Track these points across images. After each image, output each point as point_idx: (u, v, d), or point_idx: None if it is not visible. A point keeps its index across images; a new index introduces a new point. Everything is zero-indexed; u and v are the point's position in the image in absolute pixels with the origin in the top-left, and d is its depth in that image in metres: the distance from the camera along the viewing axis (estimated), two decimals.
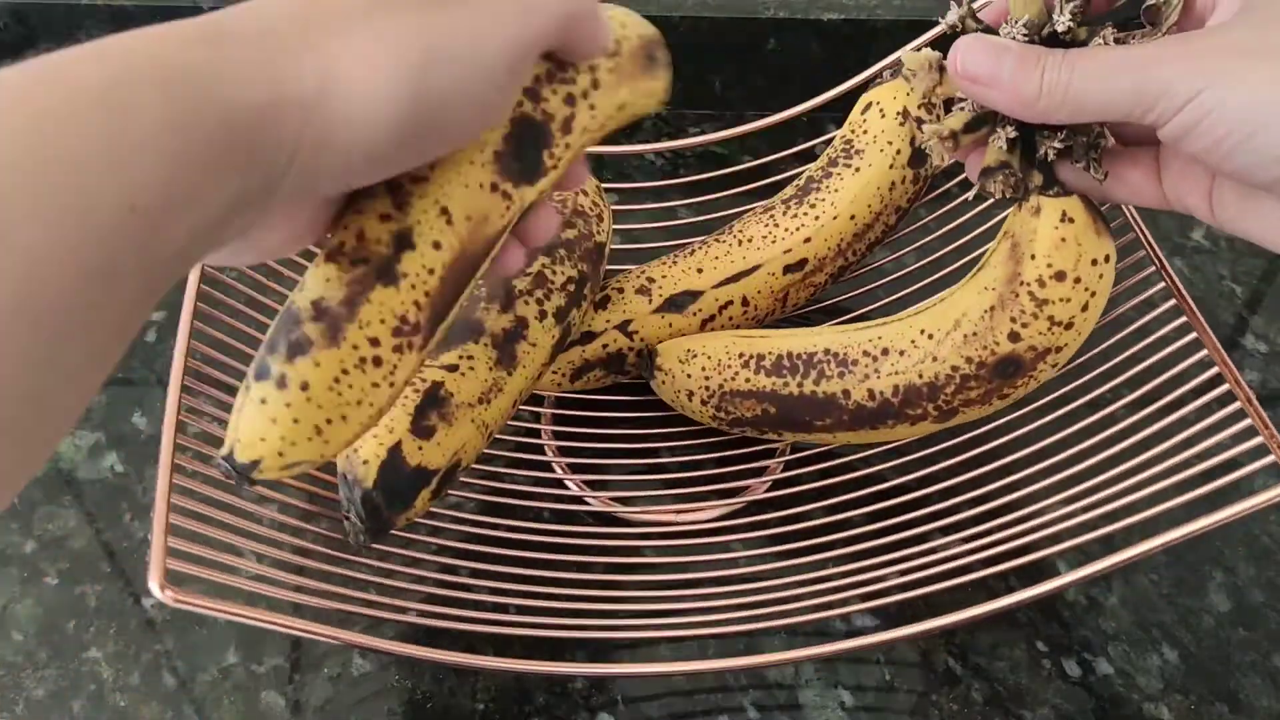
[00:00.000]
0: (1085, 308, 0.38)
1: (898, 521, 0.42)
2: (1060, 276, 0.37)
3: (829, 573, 0.41)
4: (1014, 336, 0.39)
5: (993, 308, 0.39)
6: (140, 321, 0.21)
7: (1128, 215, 0.43)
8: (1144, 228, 0.43)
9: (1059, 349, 0.39)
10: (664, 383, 0.47)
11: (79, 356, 0.19)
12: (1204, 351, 0.38)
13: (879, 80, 0.50)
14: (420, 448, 0.38)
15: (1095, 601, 0.45)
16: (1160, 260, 0.41)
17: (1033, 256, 0.38)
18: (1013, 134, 0.31)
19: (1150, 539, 0.35)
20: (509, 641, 0.43)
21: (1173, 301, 0.40)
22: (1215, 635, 0.44)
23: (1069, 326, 0.38)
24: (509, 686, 0.42)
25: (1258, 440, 0.35)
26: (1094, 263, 0.37)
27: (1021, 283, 0.38)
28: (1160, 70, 0.27)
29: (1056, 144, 0.31)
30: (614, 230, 0.48)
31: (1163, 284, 0.41)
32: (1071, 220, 0.36)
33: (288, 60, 0.22)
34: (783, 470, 0.48)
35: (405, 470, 0.38)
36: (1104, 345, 0.42)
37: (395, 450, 0.38)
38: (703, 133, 0.64)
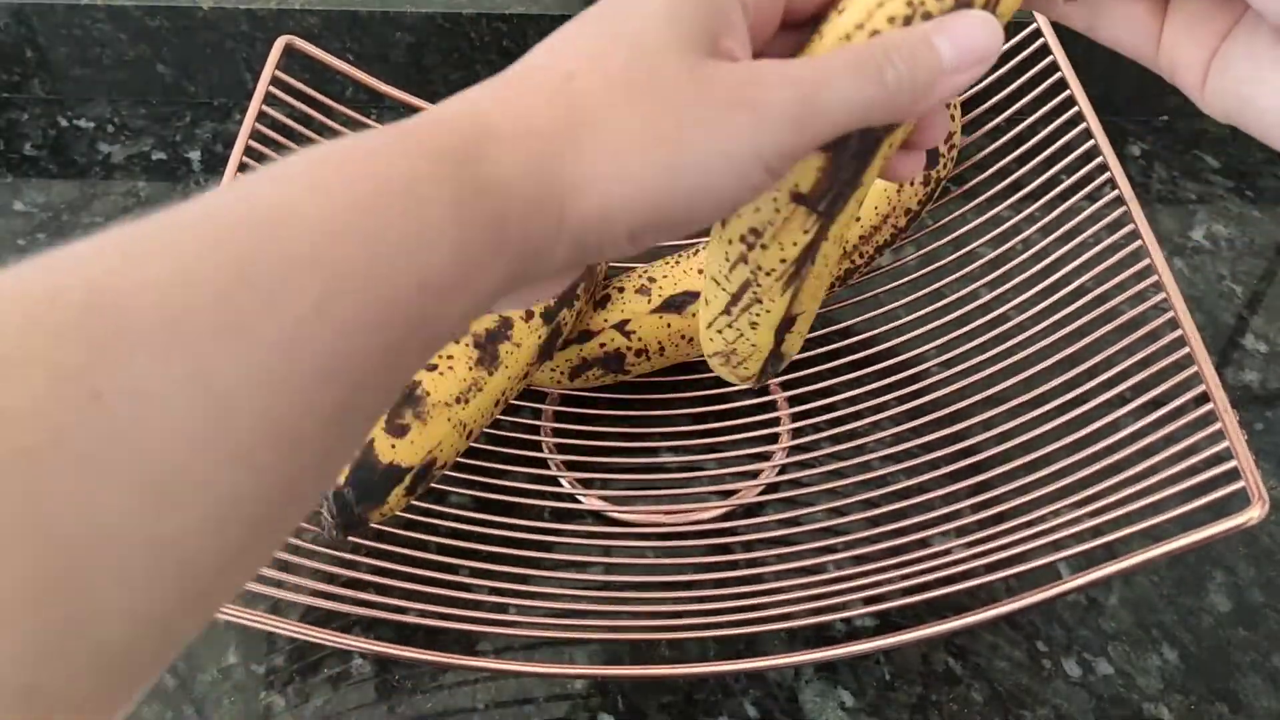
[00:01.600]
0: None
1: (899, 526, 0.42)
2: None
3: (830, 575, 0.41)
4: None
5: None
6: (404, 386, 0.23)
7: (1136, 223, 0.43)
8: (1153, 236, 0.42)
9: None
10: None
11: (361, 418, 0.22)
12: (1196, 367, 0.38)
13: None
14: (393, 445, 0.39)
15: (1095, 602, 0.45)
16: (1164, 272, 0.41)
17: None
18: None
19: (1153, 546, 0.35)
20: (509, 642, 0.43)
21: (1172, 314, 0.40)
22: (1215, 635, 0.44)
23: None
24: (509, 687, 0.42)
25: (1233, 464, 0.35)
26: None
27: None
28: None
29: None
30: None
31: (1163, 295, 0.41)
32: None
33: (549, 161, 0.24)
34: (783, 472, 0.48)
35: (378, 468, 0.38)
36: (1109, 351, 0.42)
37: (368, 448, 0.38)
38: None
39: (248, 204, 0.21)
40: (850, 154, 0.27)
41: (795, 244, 0.28)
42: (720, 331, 0.33)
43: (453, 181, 0.23)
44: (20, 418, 0.16)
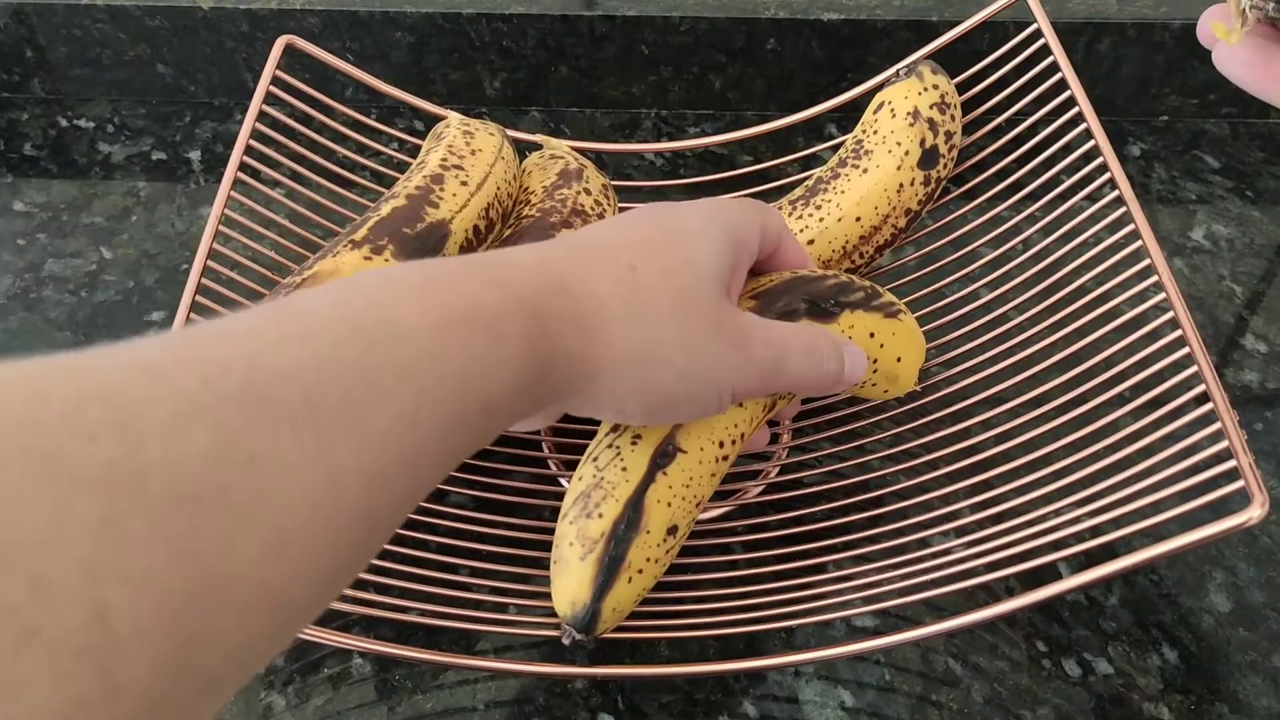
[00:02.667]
0: None
1: (899, 526, 0.42)
2: None
3: (830, 575, 0.41)
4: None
5: None
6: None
7: (1136, 223, 0.43)
8: (1152, 235, 0.42)
9: None
10: None
11: (414, 506, 0.26)
12: (1196, 367, 0.38)
13: (893, 79, 0.50)
14: None
15: (1095, 601, 0.45)
16: (1164, 272, 0.41)
17: None
18: None
19: (1154, 546, 0.35)
20: (509, 642, 0.43)
21: (1172, 314, 0.40)
22: (1215, 635, 0.44)
23: None
24: (509, 687, 0.42)
25: (1232, 463, 0.35)
26: None
27: None
28: None
29: None
30: None
31: (1163, 295, 0.41)
32: None
33: (600, 327, 0.31)
34: (783, 472, 0.48)
35: None
36: (1109, 351, 0.42)
37: None
38: (703, 133, 0.64)
39: (367, 307, 0.25)
40: None
41: None
42: (595, 460, 0.38)
43: (527, 324, 0.28)
44: (190, 468, 0.19)
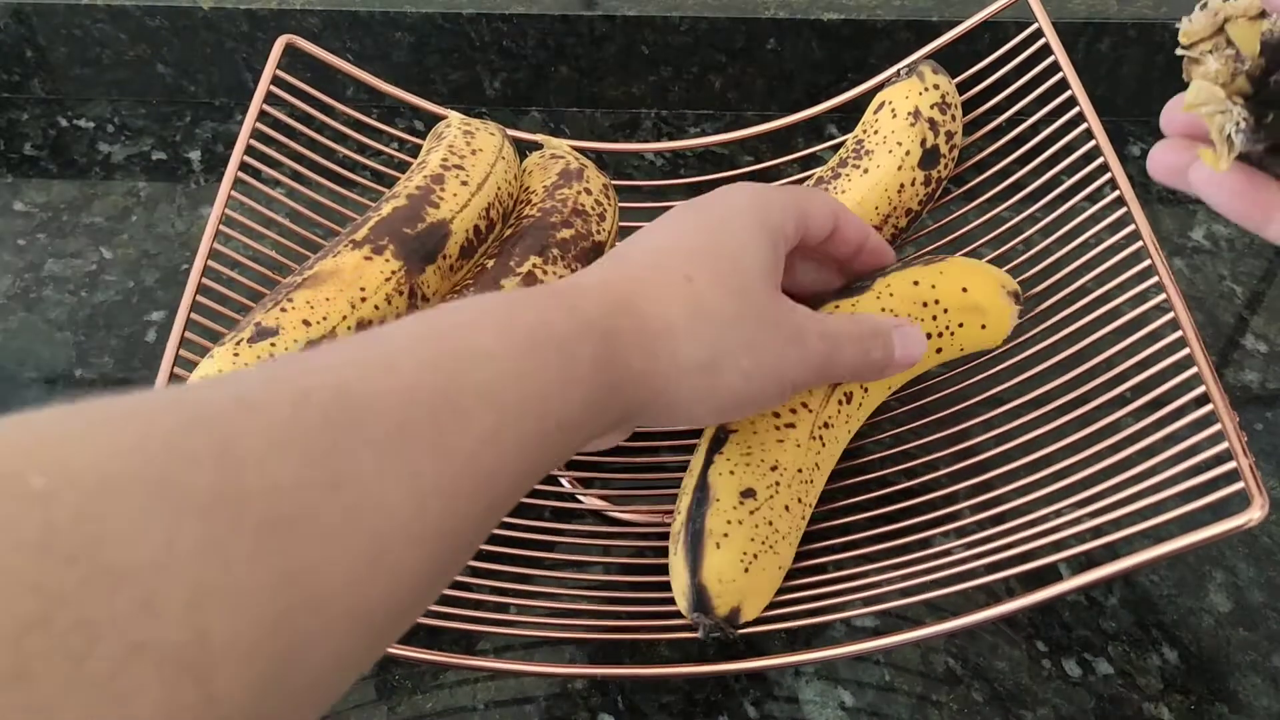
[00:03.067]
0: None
1: (900, 526, 0.42)
2: None
3: (830, 575, 0.41)
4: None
5: None
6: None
7: (1137, 224, 0.43)
8: (1153, 236, 0.42)
9: None
10: None
11: (491, 527, 0.27)
12: (1196, 368, 0.38)
13: (893, 79, 0.50)
14: None
15: (1095, 601, 0.45)
16: (1164, 273, 0.41)
17: None
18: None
19: (1154, 547, 0.35)
20: (509, 642, 0.43)
21: (1172, 314, 0.40)
22: (1215, 635, 0.44)
23: None
24: (509, 687, 0.42)
25: (1232, 465, 0.35)
26: None
27: None
28: None
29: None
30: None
31: (1163, 296, 0.41)
32: None
33: (665, 343, 0.32)
34: None
35: None
36: (1109, 351, 0.42)
37: None
38: (703, 133, 0.64)
39: (452, 330, 0.26)
40: None
41: None
42: (682, 491, 0.39)
43: (596, 347, 0.29)
44: (283, 494, 0.20)
